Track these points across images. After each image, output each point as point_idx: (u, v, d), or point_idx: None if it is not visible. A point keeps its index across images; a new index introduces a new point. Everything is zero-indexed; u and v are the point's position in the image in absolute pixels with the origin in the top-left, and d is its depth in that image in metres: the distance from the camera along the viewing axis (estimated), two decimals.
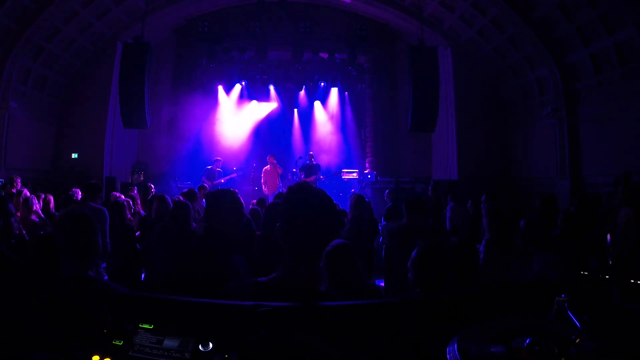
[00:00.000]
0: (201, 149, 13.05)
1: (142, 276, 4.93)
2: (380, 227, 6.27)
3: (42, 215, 5.47)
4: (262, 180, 11.39)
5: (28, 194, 5.81)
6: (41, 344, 1.06)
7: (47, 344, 1.05)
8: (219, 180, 10.97)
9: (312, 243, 1.37)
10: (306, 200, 1.39)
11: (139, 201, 6.90)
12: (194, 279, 2.17)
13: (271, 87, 13.65)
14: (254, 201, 6.77)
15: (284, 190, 9.83)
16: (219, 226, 2.25)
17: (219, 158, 11.36)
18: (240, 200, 2.58)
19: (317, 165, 11.27)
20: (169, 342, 1.08)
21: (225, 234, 2.23)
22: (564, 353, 0.89)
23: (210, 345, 1.06)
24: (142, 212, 6.52)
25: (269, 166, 11.32)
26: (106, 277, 4.45)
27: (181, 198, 5.71)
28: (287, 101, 13.97)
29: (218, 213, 2.30)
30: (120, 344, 1.07)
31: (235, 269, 2.21)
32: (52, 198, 6.34)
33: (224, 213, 2.29)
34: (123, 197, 6.42)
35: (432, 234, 4.50)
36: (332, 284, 2.49)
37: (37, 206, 5.45)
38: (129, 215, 5.59)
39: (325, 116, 13.94)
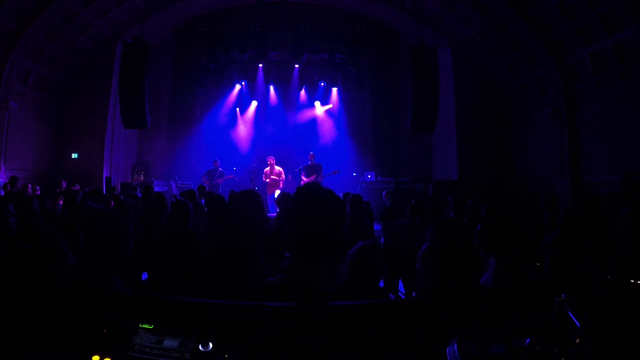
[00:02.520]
0: (201, 149, 13.05)
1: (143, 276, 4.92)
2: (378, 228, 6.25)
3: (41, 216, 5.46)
4: (263, 179, 11.42)
5: (29, 193, 5.81)
6: (41, 344, 1.06)
7: (47, 344, 1.05)
8: (218, 181, 10.98)
9: (319, 243, 1.37)
10: (314, 200, 1.39)
11: (139, 201, 6.90)
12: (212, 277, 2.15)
13: (271, 87, 13.65)
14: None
15: (284, 191, 9.84)
16: (243, 226, 2.23)
17: (216, 159, 11.40)
18: (261, 201, 2.54)
19: (318, 165, 11.26)
20: (169, 342, 1.08)
21: (248, 233, 2.21)
22: (564, 353, 0.89)
23: (210, 345, 1.05)
24: (141, 211, 6.52)
25: (269, 168, 11.33)
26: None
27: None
28: (287, 101, 13.96)
29: (242, 212, 2.27)
30: (121, 344, 1.07)
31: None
32: (47, 198, 6.33)
33: (248, 212, 2.26)
34: (122, 197, 6.43)
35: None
36: (351, 284, 2.48)
37: (37, 207, 5.44)
38: (130, 216, 5.59)
39: (325, 116, 13.93)
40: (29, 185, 8.05)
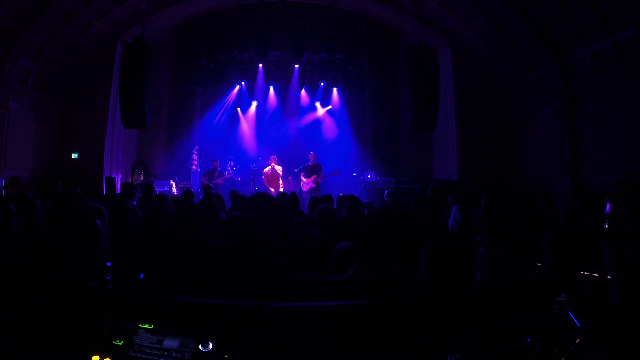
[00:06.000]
0: (201, 149, 13.06)
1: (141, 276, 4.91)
2: None
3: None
4: (264, 181, 11.43)
5: (30, 194, 5.80)
6: (41, 344, 1.06)
7: (47, 344, 1.05)
8: (217, 181, 10.99)
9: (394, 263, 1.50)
10: (395, 225, 1.56)
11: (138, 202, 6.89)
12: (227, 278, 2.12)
13: (271, 87, 13.66)
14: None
15: (285, 190, 9.84)
16: (255, 230, 2.19)
17: (215, 159, 11.44)
18: (276, 204, 2.45)
19: (318, 166, 11.27)
20: (169, 342, 1.08)
21: (261, 237, 2.17)
22: (564, 353, 0.89)
23: (210, 345, 1.05)
24: (139, 212, 6.50)
25: (269, 167, 11.35)
26: (109, 277, 4.45)
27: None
28: (287, 101, 13.97)
29: (255, 217, 2.22)
30: (120, 344, 1.07)
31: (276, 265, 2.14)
32: (47, 198, 6.33)
33: (261, 217, 2.22)
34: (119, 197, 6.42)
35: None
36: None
37: (39, 207, 5.43)
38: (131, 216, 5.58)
39: (325, 116, 13.94)
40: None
